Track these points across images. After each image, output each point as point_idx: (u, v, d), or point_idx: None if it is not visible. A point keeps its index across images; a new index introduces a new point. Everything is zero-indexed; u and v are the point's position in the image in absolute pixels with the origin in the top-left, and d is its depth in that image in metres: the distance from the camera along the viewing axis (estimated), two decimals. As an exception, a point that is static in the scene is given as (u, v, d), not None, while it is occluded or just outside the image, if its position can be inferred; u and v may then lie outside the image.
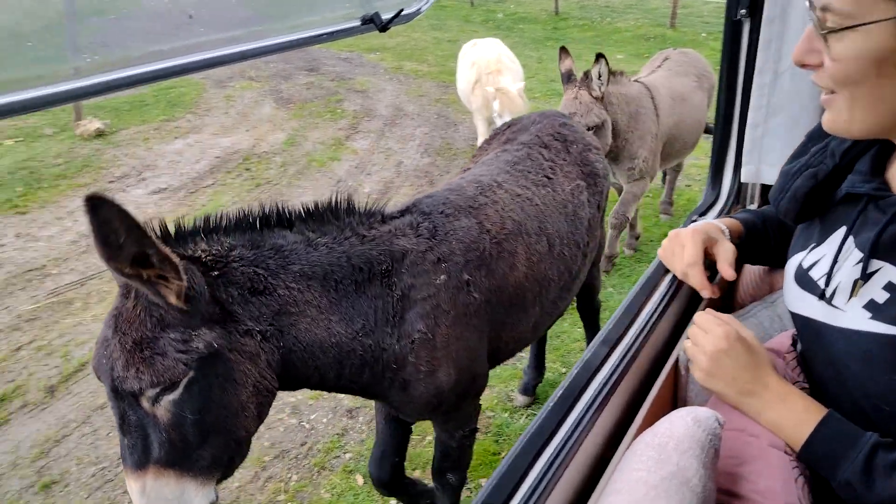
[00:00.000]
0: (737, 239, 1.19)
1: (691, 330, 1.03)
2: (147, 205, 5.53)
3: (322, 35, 1.49)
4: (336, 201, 1.55)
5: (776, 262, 1.25)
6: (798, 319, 1.00)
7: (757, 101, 1.69)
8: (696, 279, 1.12)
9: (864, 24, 0.74)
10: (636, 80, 3.91)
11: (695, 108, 4.08)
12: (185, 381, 1.15)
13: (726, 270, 1.10)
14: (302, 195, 5.75)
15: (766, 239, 1.23)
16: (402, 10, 1.49)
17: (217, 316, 1.23)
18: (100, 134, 6.83)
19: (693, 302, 1.36)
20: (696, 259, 1.10)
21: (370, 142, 6.99)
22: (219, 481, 1.30)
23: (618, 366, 1.04)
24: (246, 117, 7.74)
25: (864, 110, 0.81)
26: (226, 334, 1.23)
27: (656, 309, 1.19)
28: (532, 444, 0.88)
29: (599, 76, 3.36)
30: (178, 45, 1.30)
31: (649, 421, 0.97)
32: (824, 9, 0.77)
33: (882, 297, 0.85)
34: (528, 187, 1.95)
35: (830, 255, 0.94)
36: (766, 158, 1.72)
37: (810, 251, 1.00)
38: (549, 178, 2.04)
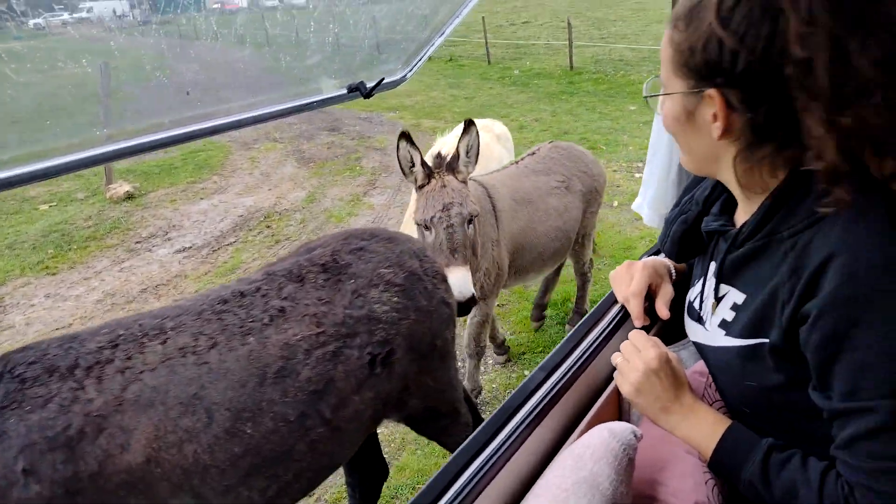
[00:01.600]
0: (680, 277, 1.30)
1: (625, 346, 1.12)
2: (171, 263, 5.72)
3: (313, 103, 1.61)
4: None
5: None
6: (695, 346, 1.12)
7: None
8: (634, 308, 1.22)
9: (668, 94, 0.94)
10: (471, 178, 3.00)
11: (551, 213, 3.28)
12: None
13: (661, 310, 1.21)
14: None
15: None
16: (383, 79, 1.60)
17: None
18: (129, 197, 7.13)
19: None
20: (639, 290, 1.21)
21: (387, 197, 7.16)
22: None
23: (555, 387, 1.11)
24: (268, 177, 8.03)
25: (686, 154, 1.00)
26: None
27: (603, 332, 1.28)
28: (462, 456, 0.96)
29: (468, 151, 2.58)
30: (181, 117, 1.44)
31: (587, 437, 1.07)
32: (658, 79, 0.98)
33: (730, 315, 0.99)
34: (214, 338, 1.57)
35: (699, 287, 1.10)
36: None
37: (693, 286, 1.15)
38: (264, 324, 1.63)
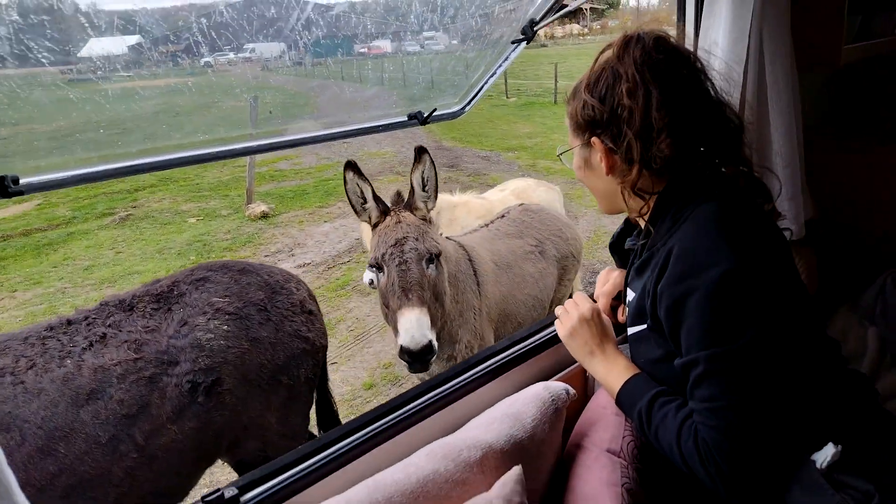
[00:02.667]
0: None
1: (567, 301, 1.35)
2: (289, 276, 6.33)
3: (378, 126, 1.89)
4: None
5: None
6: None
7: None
8: (602, 304, 1.43)
9: (570, 149, 1.25)
10: (447, 237, 2.64)
11: (528, 280, 2.91)
12: None
13: (621, 317, 1.40)
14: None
15: None
16: (435, 110, 1.84)
17: None
18: (264, 216, 7.97)
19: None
20: (608, 291, 1.43)
21: (493, 231, 7.41)
22: None
23: (518, 352, 1.39)
24: (387, 206, 8.60)
25: (597, 198, 1.27)
26: None
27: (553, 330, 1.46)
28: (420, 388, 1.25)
29: (424, 183, 2.23)
30: (265, 130, 1.77)
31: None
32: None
33: (631, 311, 1.21)
34: (33, 360, 1.63)
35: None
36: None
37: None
38: (83, 349, 1.66)
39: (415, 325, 1.92)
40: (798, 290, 1.10)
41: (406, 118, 1.89)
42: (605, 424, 1.27)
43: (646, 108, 1.07)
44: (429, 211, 2.26)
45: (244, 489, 0.96)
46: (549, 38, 38.00)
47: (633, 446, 1.24)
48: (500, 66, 1.95)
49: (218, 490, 0.92)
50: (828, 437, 1.02)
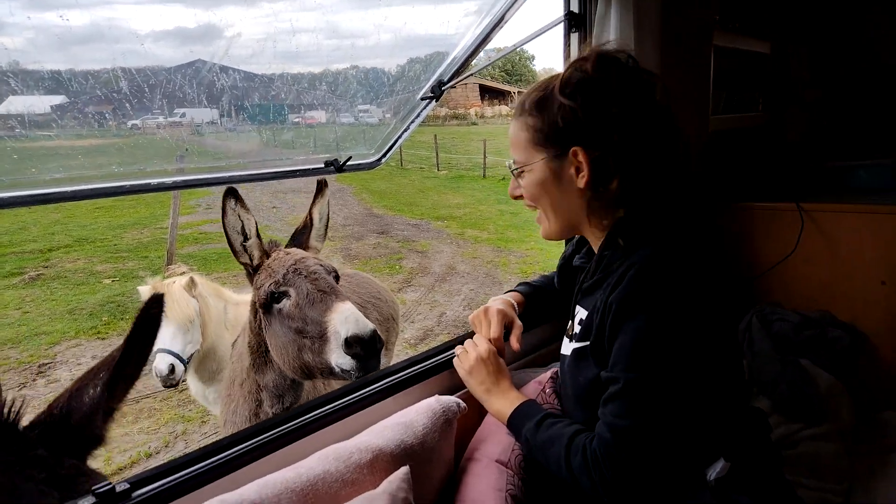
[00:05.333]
0: (521, 308, 1.55)
1: (467, 342, 1.43)
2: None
3: (296, 171, 1.99)
4: None
5: (560, 315, 1.60)
6: (560, 358, 1.36)
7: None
8: (498, 346, 1.43)
9: (530, 164, 1.21)
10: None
11: None
12: None
13: (514, 344, 1.44)
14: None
15: (548, 298, 1.62)
16: (350, 157, 1.96)
17: None
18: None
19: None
20: (498, 335, 1.43)
21: (419, 294, 7.52)
22: None
23: (413, 372, 1.46)
24: (313, 270, 8.58)
25: (553, 215, 1.24)
26: None
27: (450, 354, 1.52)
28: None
29: (321, 219, 2.11)
30: (178, 168, 1.81)
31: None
32: (510, 164, 1.27)
33: (578, 328, 1.25)
34: None
35: (571, 309, 1.36)
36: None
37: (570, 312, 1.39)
38: None
39: (354, 312, 1.70)
40: (727, 333, 1.16)
41: (323, 165, 2.00)
42: (496, 439, 1.34)
43: (634, 115, 1.10)
44: (318, 252, 2.07)
45: (136, 485, 0.97)
46: (480, 117, 39.75)
47: (520, 459, 1.31)
48: (413, 121, 2.11)
49: (109, 483, 0.93)
50: (720, 455, 1.11)
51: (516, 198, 1.29)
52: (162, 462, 1.29)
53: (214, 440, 1.15)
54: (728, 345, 1.15)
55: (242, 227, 1.89)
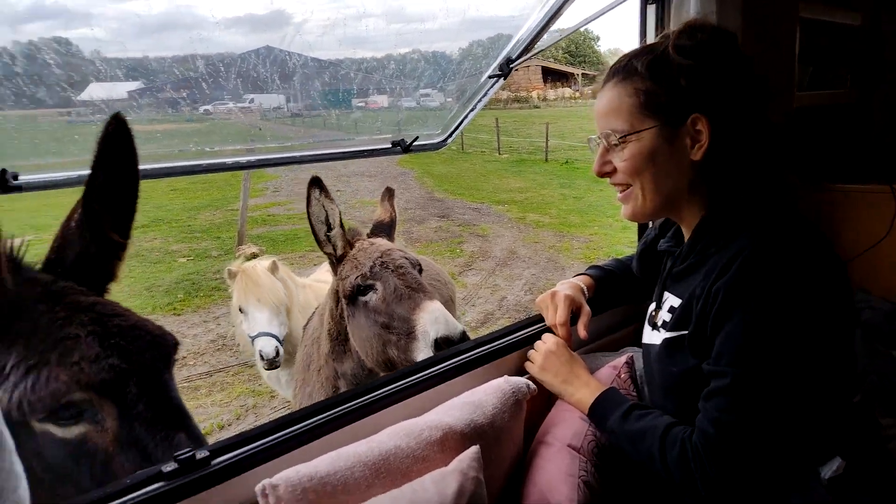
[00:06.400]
0: (591, 293, 1.50)
1: (536, 343, 1.42)
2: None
3: (364, 151, 2.01)
4: None
5: (634, 299, 1.61)
6: (643, 347, 1.32)
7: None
8: (563, 334, 1.41)
9: (638, 132, 1.10)
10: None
11: None
12: None
13: (582, 332, 1.40)
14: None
15: (621, 282, 1.56)
16: (417, 138, 1.96)
17: None
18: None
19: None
20: (564, 320, 1.39)
21: (480, 278, 7.51)
22: None
23: (485, 351, 1.44)
24: (376, 252, 8.73)
25: (652, 192, 1.13)
26: None
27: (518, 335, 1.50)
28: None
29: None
30: (255, 147, 1.87)
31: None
32: (607, 134, 1.14)
33: (668, 316, 1.18)
34: None
35: (655, 298, 1.29)
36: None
37: (654, 298, 1.32)
38: None
39: (444, 312, 1.73)
40: (845, 324, 1.05)
41: (390, 145, 2.01)
42: (568, 424, 1.31)
43: (746, 86, 1.07)
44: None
45: (215, 453, 1.00)
46: (542, 100, 39.17)
47: (593, 445, 1.28)
48: (480, 100, 2.08)
49: (190, 450, 0.97)
50: (835, 453, 1.06)
51: (603, 175, 1.18)
52: (234, 434, 1.35)
53: (286, 413, 1.18)
54: (844, 337, 1.05)
55: (326, 217, 1.93)
